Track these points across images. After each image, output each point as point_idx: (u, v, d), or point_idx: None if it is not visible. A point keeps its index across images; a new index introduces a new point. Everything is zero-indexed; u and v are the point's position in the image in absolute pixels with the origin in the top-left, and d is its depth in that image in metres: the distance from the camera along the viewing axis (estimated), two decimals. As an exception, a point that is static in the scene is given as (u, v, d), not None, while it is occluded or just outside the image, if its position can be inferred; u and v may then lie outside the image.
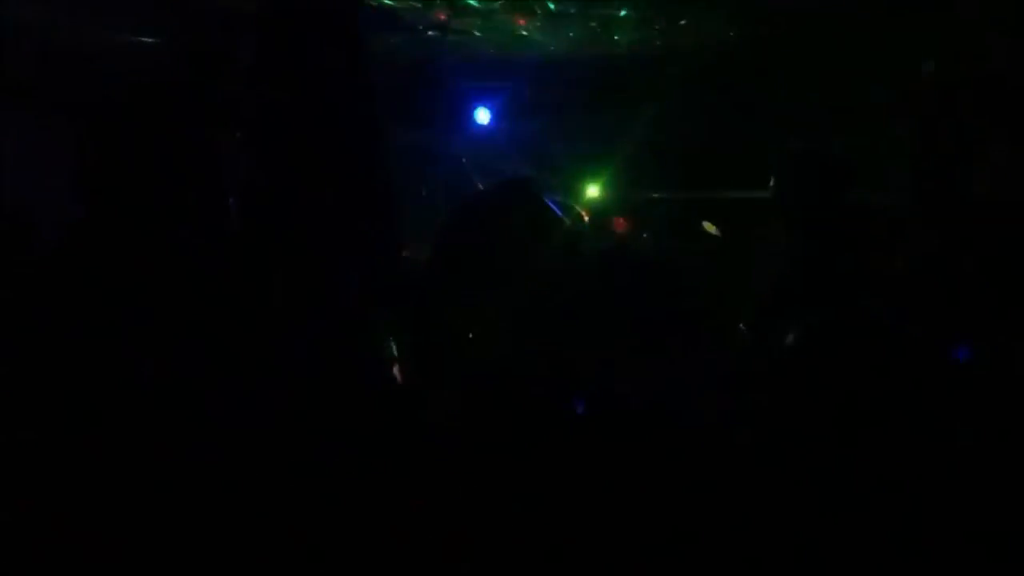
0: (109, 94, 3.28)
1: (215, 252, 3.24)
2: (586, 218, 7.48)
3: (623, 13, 6.24)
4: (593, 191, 7.54)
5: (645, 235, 6.61)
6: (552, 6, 6.01)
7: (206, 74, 3.41)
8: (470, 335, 3.27)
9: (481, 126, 6.89)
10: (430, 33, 6.43)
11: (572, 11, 6.13)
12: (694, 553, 2.76)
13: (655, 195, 7.10)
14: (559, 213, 3.78)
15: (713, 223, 6.64)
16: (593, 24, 6.37)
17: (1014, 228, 3.06)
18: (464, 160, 6.79)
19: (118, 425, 2.80)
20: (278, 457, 2.83)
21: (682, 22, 6.31)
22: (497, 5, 5.88)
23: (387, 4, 5.94)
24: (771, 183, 4.73)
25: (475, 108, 6.84)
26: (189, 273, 3.12)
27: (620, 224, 7.38)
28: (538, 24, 6.34)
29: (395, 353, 3.31)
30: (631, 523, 2.82)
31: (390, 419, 3.02)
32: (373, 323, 3.23)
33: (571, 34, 6.52)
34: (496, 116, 6.85)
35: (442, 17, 6.16)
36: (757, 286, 3.96)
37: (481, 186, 6.45)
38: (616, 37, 6.53)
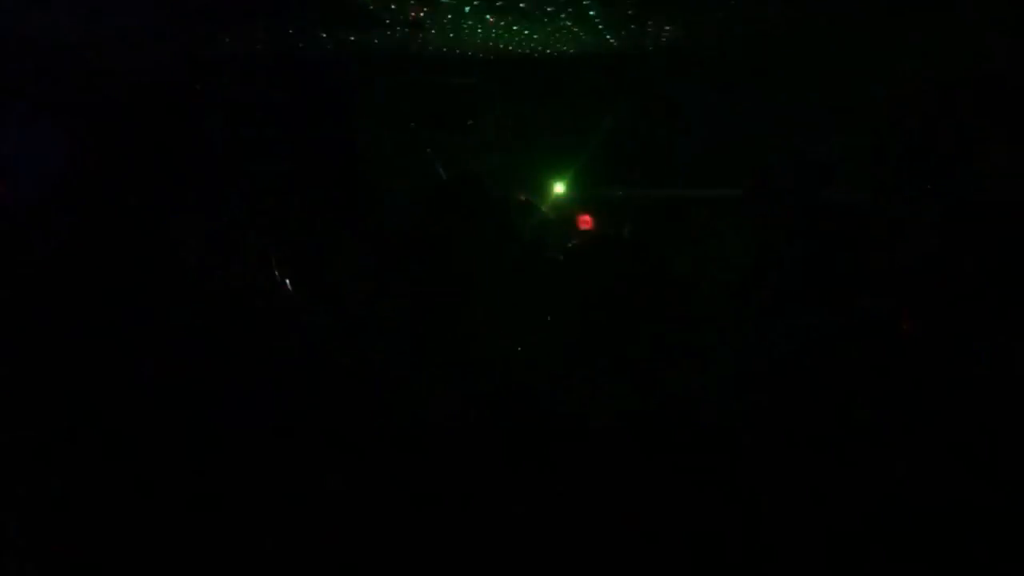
0: (109, 94, 3.19)
1: (213, 251, 3.16)
2: (551, 214, 7.48)
3: (592, 13, 6.24)
4: (559, 187, 7.54)
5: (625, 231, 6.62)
6: (522, 5, 5.99)
7: (201, 75, 3.33)
8: (455, 332, 3.24)
9: (448, 121, 6.84)
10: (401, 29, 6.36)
11: (541, 11, 6.12)
12: (695, 552, 2.77)
13: (620, 192, 7.12)
14: (517, 207, 3.76)
15: (681, 220, 6.68)
16: (562, 21, 6.37)
17: (1013, 228, 3.11)
18: (429, 151, 6.73)
19: (118, 423, 2.74)
20: (277, 456, 2.79)
21: (649, 23, 6.33)
22: (469, 4, 5.85)
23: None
24: (744, 182, 4.76)
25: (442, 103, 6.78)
26: (187, 271, 3.04)
27: (586, 221, 7.40)
28: (508, 22, 6.32)
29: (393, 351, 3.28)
30: (632, 523, 2.81)
31: (390, 419, 2.99)
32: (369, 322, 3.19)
33: (536, 36, 6.52)
34: (464, 112, 6.80)
35: (413, 15, 6.11)
36: (735, 282, 3.95)
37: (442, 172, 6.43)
38: (584, 36, 6.54)
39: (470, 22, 6.21)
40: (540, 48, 6.49)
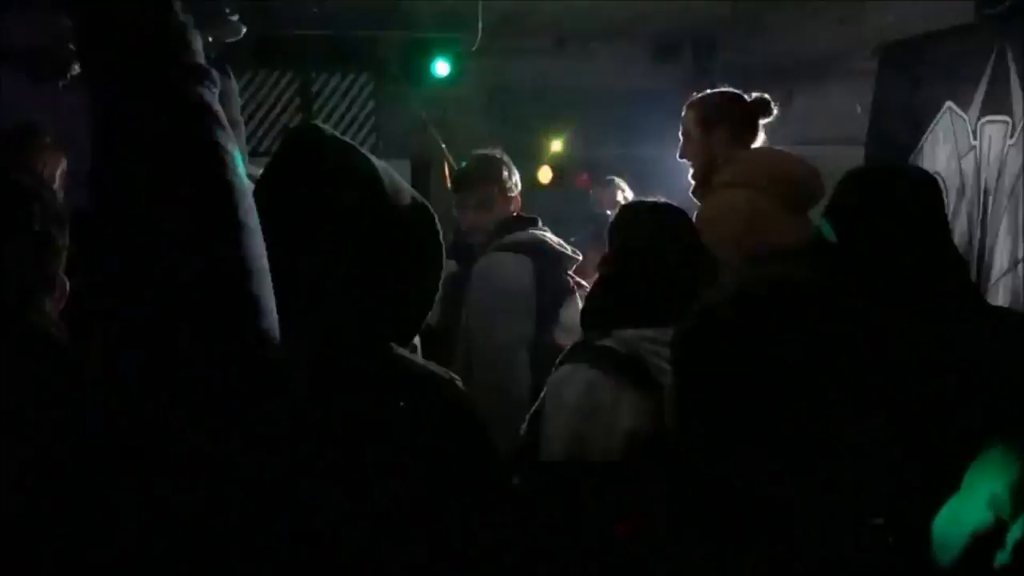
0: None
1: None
2: (549, 174, 7.30)
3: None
4: (557, 146, 7.37)
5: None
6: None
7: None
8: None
9: (440, 78, 6.68)
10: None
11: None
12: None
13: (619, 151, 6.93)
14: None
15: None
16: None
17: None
18: (424, 116, 6.56)
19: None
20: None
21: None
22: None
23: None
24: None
25: (434, 59, 6.62)
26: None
27: (584, 182, 7.21)
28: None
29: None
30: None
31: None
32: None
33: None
34: (456, 68, 6.64)
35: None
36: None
37: (442, 144, 6.22)
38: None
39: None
40: None
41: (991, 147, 3.80)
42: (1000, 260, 3.72)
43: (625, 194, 6.02)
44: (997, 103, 3.76)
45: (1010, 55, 3.68)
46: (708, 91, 2.80)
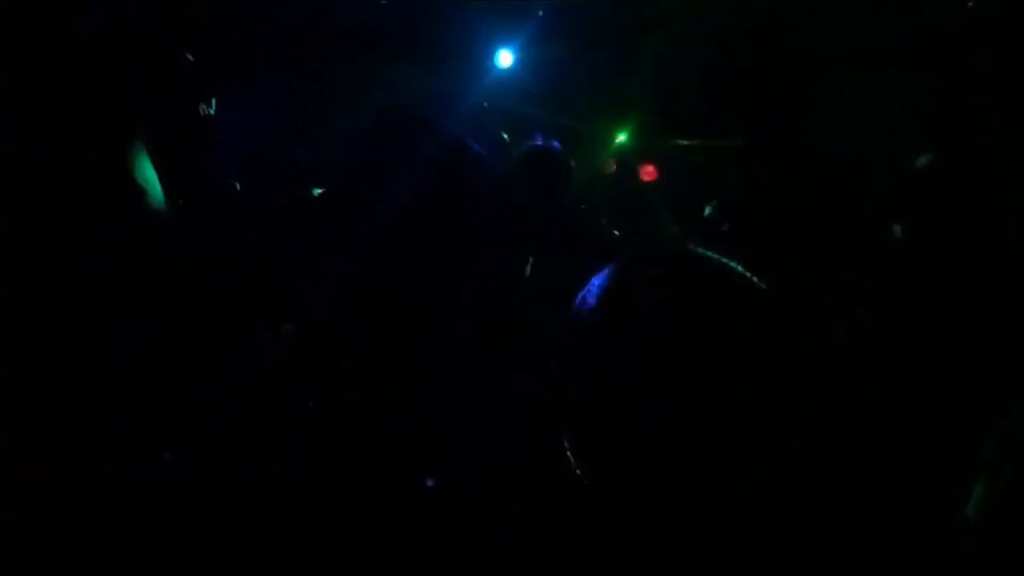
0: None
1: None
2: (613, 166, 7.20)
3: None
4: (621, 137, 7.26)
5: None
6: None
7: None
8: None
9: (502, 69, 6.62)
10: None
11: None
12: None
13: (683, 142, 6.80)
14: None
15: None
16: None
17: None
18: (485, 105, 6.51)
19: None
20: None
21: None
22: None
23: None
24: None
25: (495, 50, 6.56)
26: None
27: (649, 172, 7.10)
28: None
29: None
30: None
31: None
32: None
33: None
34: (518, 58, 6.57)
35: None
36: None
37: (505, 135, 6.17)
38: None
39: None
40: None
41: None
42: None
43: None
44: None
45: None
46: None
